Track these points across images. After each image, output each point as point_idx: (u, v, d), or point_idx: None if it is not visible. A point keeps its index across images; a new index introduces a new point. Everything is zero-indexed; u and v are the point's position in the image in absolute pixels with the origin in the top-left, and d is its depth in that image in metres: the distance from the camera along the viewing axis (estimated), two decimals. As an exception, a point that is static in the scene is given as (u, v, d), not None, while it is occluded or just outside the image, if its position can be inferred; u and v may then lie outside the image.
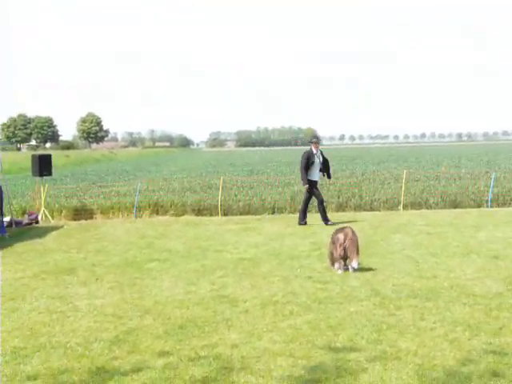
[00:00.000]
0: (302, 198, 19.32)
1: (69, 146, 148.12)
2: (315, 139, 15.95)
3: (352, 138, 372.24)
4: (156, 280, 9.25)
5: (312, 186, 15.32)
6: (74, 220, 17.67)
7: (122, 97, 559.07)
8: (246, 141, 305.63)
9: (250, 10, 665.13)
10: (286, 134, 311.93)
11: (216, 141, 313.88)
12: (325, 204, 15.66)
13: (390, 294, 7.95)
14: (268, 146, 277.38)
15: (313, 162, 15.26)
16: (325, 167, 15.62)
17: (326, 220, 15.21)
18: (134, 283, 9.06)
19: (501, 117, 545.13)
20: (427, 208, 18.48)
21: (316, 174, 15.44)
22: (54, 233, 14.88)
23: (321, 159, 15.47)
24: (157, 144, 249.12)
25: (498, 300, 7.51)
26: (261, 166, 49.62)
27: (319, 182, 16.05)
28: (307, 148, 16.07)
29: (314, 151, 15.41)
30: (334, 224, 14.55)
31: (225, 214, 18.30)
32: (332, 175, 16.29)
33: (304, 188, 15.61)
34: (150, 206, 18.64)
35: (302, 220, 15.32)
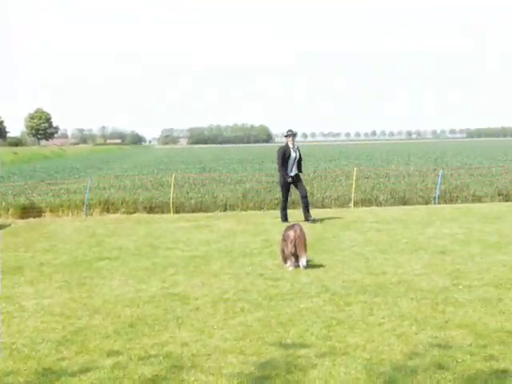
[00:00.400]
0: (253, 195, 19.43)
1: (17, 142, 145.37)
2: (290, 132, 15.03)
3: (304, 135, 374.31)
4: (106, 279, 9.15)
5: (291, 182, 14.88)
6: (22, 218, 17.32)
7: (72, 92, 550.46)
8: (199, 138, 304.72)
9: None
10: (239, 132, 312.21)
11: (168, 138, 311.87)
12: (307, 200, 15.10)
13: (340, 291, 8.04)
14: (221, 143, 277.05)
15: (289, 156, 14.71)
16: (299, 163, 15.10)
17: (307, 217, 14.81)
18: (83, 282, 8.94)
19: (448, 115, 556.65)
20: (377, 205, 18.74)
21: (292, 169, 14.84)
22: (0, 231, 14.57)
23: (297, 154, 14.91)
24: (108, 141, 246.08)
25: (444, 294, 7.67)
26: (213, 163, 49.55)
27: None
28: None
29: (290, 145, 14.88)
30: (314, 221, 14.60)
31: (177, 212, 18.21)
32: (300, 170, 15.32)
33: (280, 185, 15.15)
34: (100, 204, 18.39)
35: (285, 219, 14.96)
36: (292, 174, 14.81)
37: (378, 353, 5.70)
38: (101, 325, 6.82)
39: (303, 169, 15.74)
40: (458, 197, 19.44)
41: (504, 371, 5.18)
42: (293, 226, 9.86)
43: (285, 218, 15.06)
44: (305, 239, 9.53)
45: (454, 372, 5.19)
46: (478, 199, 19.31)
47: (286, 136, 15.12)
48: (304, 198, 14.91)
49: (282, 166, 14.70)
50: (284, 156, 14.67)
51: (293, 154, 14.76)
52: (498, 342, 5.88)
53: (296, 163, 14.88)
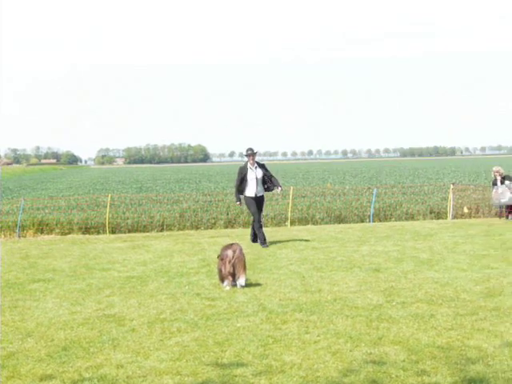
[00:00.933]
0: (190, 214, 19.40)
1: None
2: (250, 151, 14.05)
3: (241, 154, 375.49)
4: (39, 301, 8.94)
5: (254, 202, 14.02)
6: (-49, 240, 16.79)
7: (4, 111, 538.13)
8: (136, 158, 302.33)
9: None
10: (176, 151, 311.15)
11: (105, 158, 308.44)
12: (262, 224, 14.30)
13: (277, 309, 8.08)
14: (158, 162, 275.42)
15: (245, 176, 13.97)
16: (270, 181, 14.14)
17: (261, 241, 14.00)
18: (15, 305, 8.71)
19: (381, 135, 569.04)
20: (313, 223, 19.00)
21: (252, 190, 13.95)
22: None
23: (258, 173, 13.99)
24: (43, 161, 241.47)
25: (378, 311, 7.82)
26: (150, 183, 49.19)
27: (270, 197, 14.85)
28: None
29: (249, 165, 14.05)
30: (267, 247, 13.82)
31: (113, 232, 18.01)
32: (279, 185, 14.31)
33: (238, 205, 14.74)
34: (34, 225, 18.05)
35: (263, 243, 13.94)
36: (252, 194, 13.96)
37: (314, 370, 5.75)
38: (33, 348, 6.66)
39: (280, 183, 14.68)
40: (391, 215, 19.91)
41: (435, 385, 5.31)
42: (231, 245, 9.88)
43: (253, 238, 14.49)
44: (244, 259, 9.55)
45: (387, 387, 5.28)
46: (410, 217, 19.84)
47: (245, 155, 14.27)
48: (256, 222, 14.13)
49: (237, 185, 14.12)
50: (240, 176, 14.05)
51: (251, 174, 13.95)
52: (430, 357, 6.02)
53: (259, 183, 14.03)
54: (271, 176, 14.26)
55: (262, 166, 14.21)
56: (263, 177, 14.06)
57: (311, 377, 5.58)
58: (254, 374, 5.68)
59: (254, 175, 13.96)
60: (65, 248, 14.68)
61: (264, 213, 19.49)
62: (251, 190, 13.97)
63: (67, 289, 9.76)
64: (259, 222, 14.06)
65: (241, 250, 9.66)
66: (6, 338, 7.06)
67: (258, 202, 14.12)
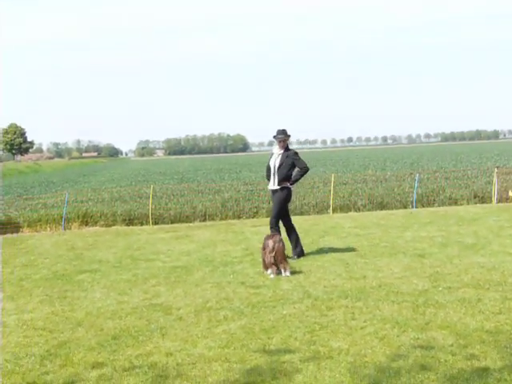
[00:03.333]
0: (232, 204, 19.47)
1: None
2: (280, 136, 11.10)
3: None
4: (87, 291, 9.12)
5: (272, 197, 11.39)
6: (0, 234, 17.18)
7: (45, 106, 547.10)
8: (175, 149, 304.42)
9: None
10: (215, 141, 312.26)
11: (145, 150, 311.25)
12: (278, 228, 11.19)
13: (322, 296, 8.09)
14: (197, 153, 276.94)
15: (268, 164, 11.32)
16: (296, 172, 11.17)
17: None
18: (64, 296, 8.90)
19: (422, 120, 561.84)
20: (355, 210, 18.89)
21: (271, 181, 11.16)
22: (-22, 248, 14.44)
23: (279, 162, 11.00)
24: (84, 154, 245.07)
25: (424, 297, 7.76)
26: (191, 173, 49.54)
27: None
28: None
29: (276, 150, 11.27)
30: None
31: (156, 223, 18.19)
32: (295, 180, 11.18)
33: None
34: (78, 218, 18.33)
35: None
36: (269, 187, 11.30)
37: (362, 356, 5.75)
38: (84, 337, 6.80)
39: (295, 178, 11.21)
40: (434, 200, 19.67)
41: (485, 369, 5.26)
42: (272, 235, 9.91)
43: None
44: (283, 251, 9.58)
45: (436, 372, 5.26)
46: (454, 202, 19.56)
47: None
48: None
49: (266, 174, 11.56)
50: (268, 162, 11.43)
51: (271, 162, 11.18)
52: (479, 342, 5.97)
53: (276, 174, 11.02)
54: (300, 167, 11.12)
55: (291, 155, 11.12)
56: (283, 167, 11.01)
57: (359, 362, 5.58)
58: (302, 360, 5.71)
59: (273, 164, 11.16)
60: (109, 239, 14.90)
61: (305, 200, 19.46)
62: (270, 182, 11.31)
63: (114, 279, 9.92)
64: (272, 222, 11.19)
65: (280, 240, 9.68)
66: (57, 328, 7.23)
67: (273, 197, 11.30)
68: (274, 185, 11.09)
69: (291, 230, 11.37)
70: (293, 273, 9.56)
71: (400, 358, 5.65)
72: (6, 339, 6.89)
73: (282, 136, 11.09)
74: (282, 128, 11.29)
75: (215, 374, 5.48)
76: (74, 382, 5.44)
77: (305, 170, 11.12)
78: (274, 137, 11.22)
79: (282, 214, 11.24)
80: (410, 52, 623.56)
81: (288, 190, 11.11)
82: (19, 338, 6.91)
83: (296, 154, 11.26)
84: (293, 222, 11.51)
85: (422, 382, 5.06)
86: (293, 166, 11.10)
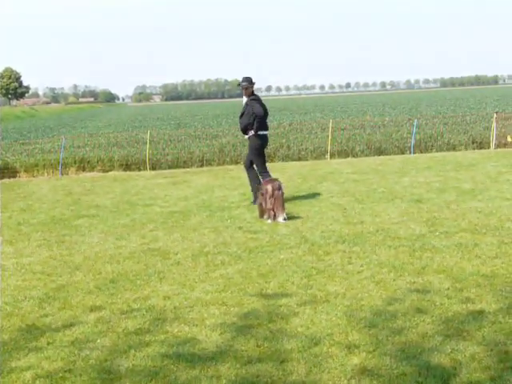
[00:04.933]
0: (230, 149, 19.41)
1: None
2: (243, 83, 11.03)
3: (278, 89, 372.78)
4: (85, 236, 9.14)
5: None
6: (-3, 179, 17.15)
7: (42, 50, 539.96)
8: (172, 94, 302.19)
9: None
10: (213, 87, 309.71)
11: (142, 95, 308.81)
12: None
13: (319, 241, 8.11)
14: (195, 99, 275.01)
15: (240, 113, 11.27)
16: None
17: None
18: (62, 240, 8.92)
19: (421, 65, 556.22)
20: (353, 156, 18.85)
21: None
22: (-25, 193, 14.42)
23: (242, 110, 11.16)
24: (80, 100, 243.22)
25: (421, 241, 7.79)
26: (188, 119, 49.26)
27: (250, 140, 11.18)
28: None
29: (244, 99, 11.25)
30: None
31: (153, 169, 18.16)
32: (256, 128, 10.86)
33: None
34: (75, 163, 18.29)
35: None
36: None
37: (358, 299, 5.79)
38: (82, 281, 6.83)
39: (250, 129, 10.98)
40: (432, 146, 19.62)
41: (480, 312, 5.31)
42: (272, 180, 9.86)
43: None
44: (282, 197, 9.55)
45: (432, 315, 5.30)
46: (452, 148, 19.51)
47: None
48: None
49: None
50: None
51: (242, 110, 11.16)
52: (475, 285, 6.01)
53: (238, 123, 11.47)
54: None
55: (253, 101, 10.96)
56: (244, 115, 11.02)
57: (355, 306, 5.62)
58: (299, 303, 5.75)
59: (243, 111, 11.14)
60: (107, 185, 14.88)
61: (303, 146, 19.37)
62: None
63: (111, 224, 9.94)
64: (260, 172, 11.18)
65: (280, 186, 9.63)
66: (56, 272, 7.26)
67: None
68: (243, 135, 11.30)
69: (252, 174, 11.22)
70: (290, 218, 9.57)
71: (396, 301, 5.69)
72: (5, 282, 6.92)
73: (245, 83, 10.98)
74: (247, 76, 11.16)
75: (212, 318, 5.52)
76: (73, 325, 5.49)
77: (255, 117, 10.79)
78: (238, 84, 11.19)
79: (263, 161, 11.24)
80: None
81: (255, 137, 10.93)
82: (18, 281, 6.95)
83: (253, 100, 10.95)
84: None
85: (417, 325, 5.10)
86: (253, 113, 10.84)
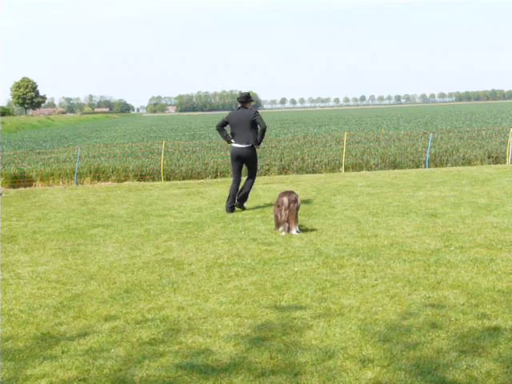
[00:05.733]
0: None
1: (4, 112, 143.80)
2: (241, 99, 11.96)
3: (293, 101, 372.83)
4: (100, 246, 9.18)
5: None
6: (13, 187, 17.29)
7: (58, 60, 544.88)
8: (187, 105, 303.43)
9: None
10: (227, 98, 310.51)
11: (157, 106, 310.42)
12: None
13: (333, 254, 8.10)
14: (209, 110, 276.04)
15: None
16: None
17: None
18: (77, 249, 8.96)
19: (436, 79, 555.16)
20: (368, 169, 18.83)
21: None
22: (-8, 201, 14.53)
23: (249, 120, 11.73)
24: (96, 110, 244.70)
25: (436, 256, 7.75)
26: (203, 130, 49.43)
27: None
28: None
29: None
30: (244, 209, 11.97)
31: (167, 179, 18.23)
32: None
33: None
34: (91, 173, 18.40)
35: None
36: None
37: (372, 313, 5.77)
38: (97, 290, 6.86)
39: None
40: (447, 160, 19.57)
41: (496, 328, 5.27)
42: (288, 192, 9.83)
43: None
44: (297, 210, 9.52)
45: (447, 330, 5.27)
46: (467, 162, 19.46)
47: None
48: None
49: None
50: None
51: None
52: (490, 301, 5.97)
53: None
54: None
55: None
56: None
57: (370, 319, 5.60)
58: (313, 316, 5.74)
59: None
60: (121, 195, 14.95)
61: (317, 159, 19.36)
62: None
63: (126, 234, 9.97)
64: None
65: (296, 199, 9.61)
66: (70, 281, 7.29)
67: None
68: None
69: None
70: (304, 231, 9.57)
71: (411, 316, 5.66)
72: (20, 290, 6.96)
73: (243, 100, 11.85)
74: (246, 92, 12.30)
75: (226, 329, 5.52)
76: (87, 334, 5.50)
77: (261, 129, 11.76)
78: (237, 99, 12.16)
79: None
80: (425, 9, 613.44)
81: (257, 147, 12.10)
82: (33, 289, 6.99)
83: (256, 113, 11.84)
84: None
85: (432, 340, 5.07)
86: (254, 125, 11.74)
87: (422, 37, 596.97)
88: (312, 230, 9.69)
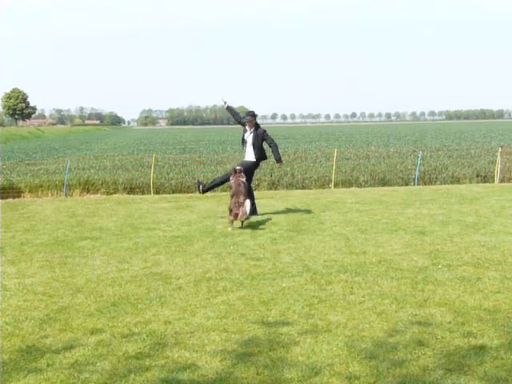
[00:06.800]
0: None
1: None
2: (247, 117, 13.01)
3: (284, 117, 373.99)
4: (87, 258, 9.14)
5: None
6: (1, 198, 17.18)
7: (48, 72, 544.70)
8: (178, 119, 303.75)
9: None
10: (218, 113, 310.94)
11: (147, 119, 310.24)
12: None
13: (321, 270, 8.11)
14: (200, 124, 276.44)
15: (243, 142, 13.18)
16: (271, 149, 12.97)
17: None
18: (64, 262, 8.92)
19: (426, 98, 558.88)
20: (357, 186, 18.88)
21: (247, 154, 13.01)
22: (-20, 212, 14.45)
23: (252, 139, 12.84)
24: (86, 122, 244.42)
25: (424, 274, 7.78)
26: (193, 144, 49.46)
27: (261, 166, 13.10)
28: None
29: (248, 129, 13.04)
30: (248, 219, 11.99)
31: (157, 193, 18.20)
32: (279, 158, 13.01)
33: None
34: (80, 185, 18.31)
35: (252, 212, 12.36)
36: (247, 158, 13.01)
37: (359, 330, 5.78)
38: (84, 303, 6.83)
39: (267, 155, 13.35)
40: (436, 178, 19.66)
41: (482, 347, 5.29)
42: (238, 174, 11.75)
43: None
44: (242, 189, 10.55)
45: (433, 348, 5.28)
46: (456, 180, 19.56)
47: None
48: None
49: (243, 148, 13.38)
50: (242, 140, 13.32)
51: (246, 137, 13.08)
52: (477, 320, 5.99)
53: (252, 149, 12.94)
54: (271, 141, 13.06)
55: (258, 133, 12.95)
56: (256, 144, 12.91)
57: (357, 336, 5.61)
58: (300, 332, 5.74)
59: (250, 141, 12.97)
60: (110, 207, 14.91)
61: (307, 174, 19.43)
62: (245, 154, 13.16)
63: (114, 247, 9.94)
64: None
65: (243, 182, 11.51)
66: (57, 293, 7.26)
67: (245, 163, 12.99)
68: (251, 157, 12.97)
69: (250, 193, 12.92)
70: (293, 247, 9.61)
71: (397, 333, 5.68)
72: (6, 302, 6.92)
73: (249, 117, 12.98)
74: (250, 110, 13.31)
75: (213, 344, 5.51)
76: (73, 347, 5.48)
77: (274, 144, 13.05)
78: (243, 118, 13.17)
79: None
80: (416, 27, 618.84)
81: (258, 162, 13.16)
82: (19, 301, 6.94)
83: (265, 132, 13.06)
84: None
85: (418, 358, 5.09)
86: (262, 141, 12.97)
87: (413, 55, 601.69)
88: (300, 245, 9.71)
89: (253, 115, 13.05)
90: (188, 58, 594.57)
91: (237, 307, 6.58)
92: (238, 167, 12.49)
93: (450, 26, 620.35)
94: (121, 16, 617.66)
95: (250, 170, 12.91)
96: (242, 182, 12.04)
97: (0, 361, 5.20)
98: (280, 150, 13.39)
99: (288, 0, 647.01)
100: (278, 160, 13.00)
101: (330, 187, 18.68)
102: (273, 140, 13.11)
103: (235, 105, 14.18)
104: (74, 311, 6.55)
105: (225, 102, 13.50)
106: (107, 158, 26.03)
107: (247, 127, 13.13)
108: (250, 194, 12.45)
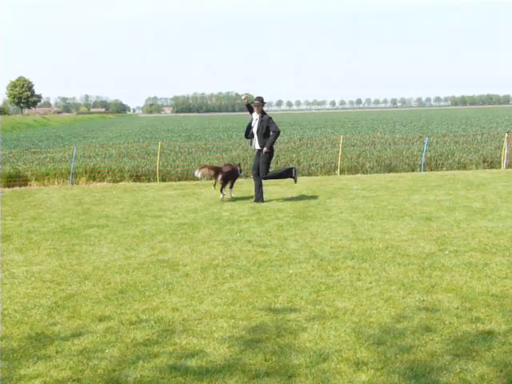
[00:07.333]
0: (240, 163, 19.40)
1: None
2: (256, 101, 13.13)
3: (289, 104, 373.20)
4: (94, 246, 9.16)
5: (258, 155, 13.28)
6: (8, 187, 17.23)
7: (54, 60, 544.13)
8: (183, 106, 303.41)
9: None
10: (223, 100, 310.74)
11: (153, 107, 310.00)
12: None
13: (328, 256, 8.11)
14: (205, 111, 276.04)
15: (249, 128, 13.36)
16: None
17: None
18: (72, 249, 8.95)
19: (432, 83, 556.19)
20: (363, 172, 18.86)
21: (255, 142, 13.24)
22: (-14, 200, 14.49)
23: (257, 126, 13.07)
24: (92, 110, 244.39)
25: (431, 259, 7.77)
26: (198, 131, 49.43)
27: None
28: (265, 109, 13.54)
29: (254, 115, 13.20)
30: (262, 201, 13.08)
31: (163, 180, 18.21)
32: (266, 145, 12.98)
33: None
34: (86, 173, 18.34)
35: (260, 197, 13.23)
36: (253, 146, 13.40)
37: (367, 316, 5.79)
38: (91, 291, 6.85)
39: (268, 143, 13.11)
40: (443, 164, 19.60)
41: (489, 332, 5.29)
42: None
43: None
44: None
45: (441, 334, 5.29)
46: (463, 166, 19.50)
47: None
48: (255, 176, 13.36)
49: (245, 136, 13.77)
50: (248, 126, 13.53)
51: (253, 124, 13.29)
52: (484, 305, 5.99)
53: (257, 136, 13.16)
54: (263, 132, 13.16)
55: (266, 119, 13.10)
56: (261, 130, 13.11)
57: (364, 322, 5.61)
58: (308, 319, 5.75)
59: (256, 128, 13.20)
60: (117, 195, 14.93)
61: (313, 161, 19.39)
62: (253, 142, 13.39)
63: (121, 234, 9.96)
64: (262, 177, 13.29)
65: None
66: (65, 281, 7.28)
67: (258, 155, 13.38)
68: (257, 145, 13.21)
69: (259, 180, 13.31)
70: (300, 233, 9.62)
71: (405, 319, 5.68)
72: (15, 290, 6.95)
73: (258, 102, 13.14)
74: (259, 96, 13.37)
75: (221, 330, 5.53)
76: (82, 334, 5.50)
77: (276, 133, 13.11)
78: (252, 102, 13.28)
79: (268, 170, 13.37)
80: (422, 12, 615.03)
81: (270, 149, 13.23)
82: (28, 289, 6.98)
83: (270, 119, 13.18)
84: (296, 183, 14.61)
85: (426, 344, 5.09)
86: (268, 129, 13.08)
87: (419, 41, 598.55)
88: (307, 232, 9.71)
89: (261, 100, 13.21)
90: (193, 46, 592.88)
91: (244, 294, 6.59)
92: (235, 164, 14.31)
93: (455, 11, 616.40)
94: (126, 3, 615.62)
95: (265, 161, 13.16)
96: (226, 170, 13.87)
97: (9, 348, 5.23)
98: (286, 137, 13.60)
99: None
100: (266, 146, 12.97)
101: (335, 174, 18.66)
102: (276, 127, 13.13)
103: (240, 92, 14.37)
104: (81, 298, 6.58)
105: (244, 98, 13.41)
106: (113, 146, 26.05)
107: (254, 113, 13.29)
108: (261, 181, 13.28)
